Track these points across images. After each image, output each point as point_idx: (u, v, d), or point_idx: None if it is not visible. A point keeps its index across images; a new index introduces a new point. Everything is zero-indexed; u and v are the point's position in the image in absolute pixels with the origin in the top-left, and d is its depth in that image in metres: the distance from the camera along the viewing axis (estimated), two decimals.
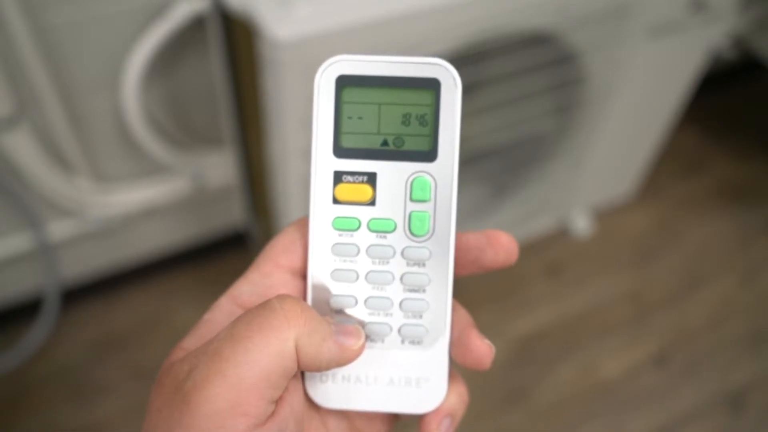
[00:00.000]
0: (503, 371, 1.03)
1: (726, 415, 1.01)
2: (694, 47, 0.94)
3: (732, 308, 1.14)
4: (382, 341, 0.27)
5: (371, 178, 0.26)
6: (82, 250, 0.96)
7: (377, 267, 0.27)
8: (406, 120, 0.26)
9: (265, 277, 0.27)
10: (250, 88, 0.72)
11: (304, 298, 0.27)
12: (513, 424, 0.98)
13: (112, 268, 1.04)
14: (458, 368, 0.28)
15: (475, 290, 1.11)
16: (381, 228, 0.27)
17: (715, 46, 0.97)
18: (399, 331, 0.27)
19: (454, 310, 0.27)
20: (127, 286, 1.07)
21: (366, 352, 0.27)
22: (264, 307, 0.23)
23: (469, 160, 0.88)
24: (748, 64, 1.34)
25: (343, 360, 0.25)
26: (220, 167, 0.92)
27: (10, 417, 0.94)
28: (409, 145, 0.26)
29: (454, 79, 0.26)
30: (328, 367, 0.24)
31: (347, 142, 0.26)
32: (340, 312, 0.27)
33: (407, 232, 0.27)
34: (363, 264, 0.27)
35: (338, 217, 0.27)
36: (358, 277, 0.27)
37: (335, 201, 0.27)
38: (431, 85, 0.26)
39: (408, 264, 0.27)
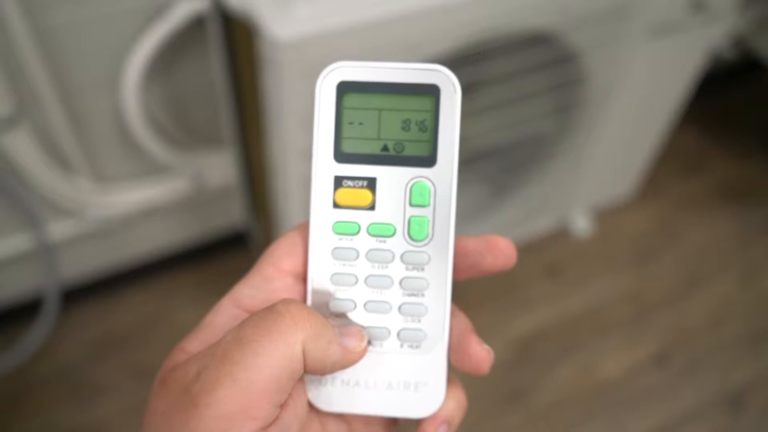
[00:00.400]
0: (503, 371, 1.03)
1: (726, 415, 1.01)
2: (694, 47, 0.94)
3: (732, 308, 1.14)
4: (381, 345, 0.27)
5: (371, 183, 0.27)
6: (82, 250, 0.96)
7: (376, 271, 0.27)
8: (406, 126, 0.26)
9: (266, 280, 0.27)
10: (250, 88, 0.72)
11: (305, 301, 0.27)
12: (513, 424, 0.98)
13: (112, 268, 1.04)
14: (457, 370, 0.28)
15: (474, 290, 1.11)
16: (380, 232, 0.27)
17: (715, 46, 0.97)
18: (398, 335, 0.27)
19: (452, 314, 0.27)
20: (127, 286, 1.07)
21: (365, 356, 0.27)
22: (271, 311, 0.23)
23: (468, 161, 0.88)
24: (748, 64, 1.34)
25: (347, 362, 0.25)
26: (220, 167, 0.92)
27: (10, 417, 0.94)
28: (409, 150, 0.26)
29: (453, 85, 0.26)
30: (332, 370, 0.25)
31: (348, 148, 0.27)
32: (339, 315, 0.27)
33: (406, 236, 0.27)
34: (362, 268, 0.27)
35: (338, 222, 0.27)
36: (357, 281, 0.27)
37: (335, 205, 0.27)
38: (431, 91, 0.26)
39: (407, 268, 0.27)
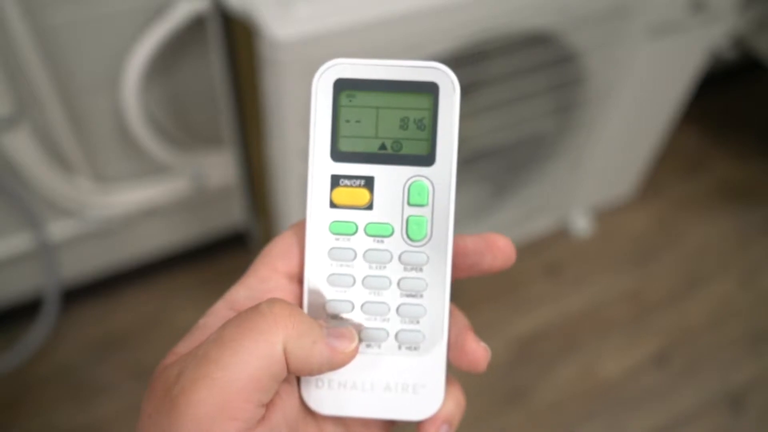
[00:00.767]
0: (503, 371, 1.03)
1: (726, 415, 1.01)
2: (694, 47, 0.94)
3: (732, 308, 1.14)
4: (379, 347, 0.27)
5: (369, 182, 0.26)
6: (82, 250, 0.96)
7: (374, 272, 0.26)
8: (404, 124, 0.26)
9: (261, 281, 0.27)
10: (250, 88, 0.72)
11: (301, 302, 0.27)
12: (513, 424, 0.98)
13: (112, 268, 1.04)
14: (455, 368, 0.28)
15: (474, 290, 1.11)
16: (378, 232, 0.26)
17: (715, 46, 0.97)
18: (396, 336, 0.27)
19: (450, 313, 0.27)
20: (127, 286, 1.07)
21: (362, 358, 0.26)
22: (253, 311, 0.23)
23: (469, 160, 0.88)
24: (748, 64, 1.34)
25: (335, 363, 0.24)
26: (220, 167, 0.92)
27: (10, 417, 0.94)
28: (407, 149, 0.26)
29: (452, 83, 0.26)
30: (320, 371, 0.24)
31: (345, 146, 0.26)
32: (336, 317, 0.27)
33: (404, 236, 0.26)
34: (360, 268, 0.26)
35: (335, 221, 0.26)
36: (354, 282, 0.27)
37: (332, 205, 0.26)
38: (429, 89, 0.26)
39: (405, 269, 0.26)
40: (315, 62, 0.26)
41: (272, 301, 0.23)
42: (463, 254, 0.27)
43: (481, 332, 0.27)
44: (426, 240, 0.26)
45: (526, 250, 1.18)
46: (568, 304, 1.13)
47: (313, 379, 0.26)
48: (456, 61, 0.72)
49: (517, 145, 0.91)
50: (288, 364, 0.23)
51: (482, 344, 0.27)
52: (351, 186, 0.26)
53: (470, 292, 1.11)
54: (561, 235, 1.22)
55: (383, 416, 0.27)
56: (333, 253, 0.26)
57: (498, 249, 0.27)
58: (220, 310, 0.26)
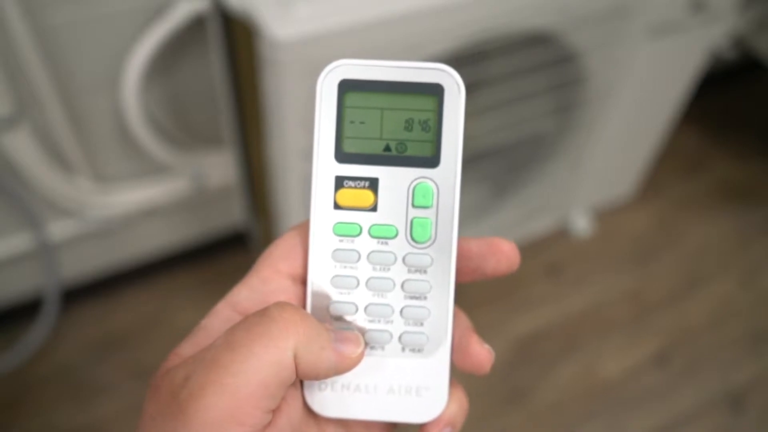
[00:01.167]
0: (503, 371, 1.03)
1: (726, 415, 1.01)
2: (694, 47, 0.94)
3: (732, 308, 1.14)
4: (383, 349, 0.27)
5: (373, 184, 0.26)
6: (82, 250, 0.96)
7: (378, 273, 0.26)
8: (408, 125, 0.26)
9: (264, 283, 0.26)
10: (250, 88, 0.72)
11: (304, 304, 0.27)
12: (513, 424, 0.98)
13: (112, 268, 1.04)
14: (458, 370, 0.28)
15: (475, 290, 1.11)
16: (382, 234, 0.26)
17: (715, 46, 0.97)
18: (399, 338, 0.26)
19: (454, 315, 0.27)
20: (127, 286, 1.07)
21: (366, 360, 0.26)
22: (263, 315, 0.23)
23: (469, 161, 0.88)
24: (748, 64, 1.34)
25: (342, 368, 0.24)
26: (220, 167, 0.92)
27: (10, 417, 0.94)
28: (412, 150, 0.26)
29: (457, 84, 0.26)
30: (326, 376, 0.24)
31: (349, 147, 0.26)
32: (339, 319, 0.27)
33: (409, 238, 0.26)
34: (364, 270, 0.26)
35: (339, 223, 0.26)
36: (358, 284, 0.26)
37: (336, 206, 0.26)
38: (434, 91, 0.26)
39: (409, 271, 0.26)
40: (315, 62, 0.26)
41: (282, 306, 0.23)
42: (467, 258, 0.27)
43: (481, 332, 0.27)
44: (430, 242, 0.26)
45: (527, 250, 1.18)
46: (569, 304, 1.13)
47: (316, 381, 0.26)
48: (456, 61, 0.72)
49: (517, 145, 0.91)
50: (297, 369, 0.23)
51: (486, 346, 0.26)
52: (355, 187, 0.26)
53: (471, 292, 1.11)
54: (561, 235, 1.22)
55: (386, 419, 0.27)
56: (337, 255, 0.26)
57: (502, 253, 0.27)
58: (222, 311, 0.26)
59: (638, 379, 1.04)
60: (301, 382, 0.26)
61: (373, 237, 0.26)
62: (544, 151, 0.97)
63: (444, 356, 0.26)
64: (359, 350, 0.25)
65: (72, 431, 0.93)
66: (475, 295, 1.11)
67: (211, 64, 0.80)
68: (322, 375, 0.24)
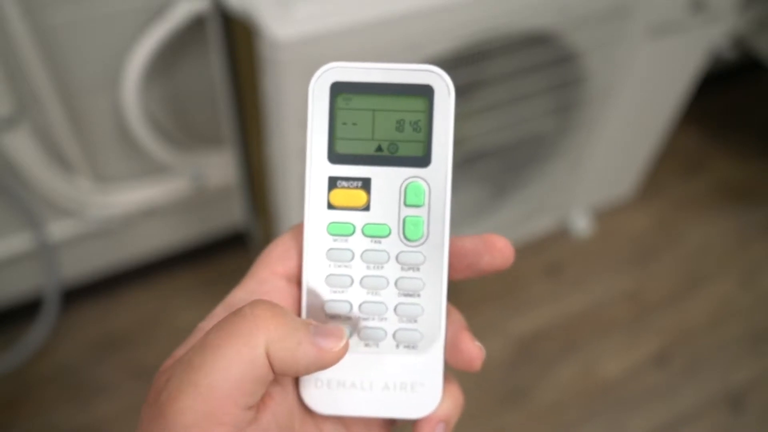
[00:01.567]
0: (503, 371, 1.03)
1: (726, 415, 1.01)
2: (694, 47, 0.94)
3: (732, 308, 1.14)
4: (377, 346, 0.27)
5: (365, 184, 0.26)
6: (82, 250, 0.96)
7: (372, 272, 0.27)
8: (399, 126, 0.26)
9: (260, 284, 0.27)
10: (250, 88, 0.72)
11: (300, 303, 0.27)
12: (513, 424, 0.98)
13: (112, 268, 1.04)
14: (453, 368, 0.28)
15: (475, 290, 1.11)
16: (375, 233, 0.27)
17: (715, 46, 0.97)
18: (394, 335, 0.27)
19: (447, 312, 0.27)
20: (127, 286, 1.07)
21: (361, 357, 0.27)
22: (236, 314, 0.23)
23: (469, 161, 0.88)
24: (748, 64, 1.34)
25: (324, 363, 0.24)
26: (220, 167, 0.92)
27: (10, 417, 0.94)
28: (403, 150, 0.26)
29: (447, 85, 0.26)
30: (307, 371, 0.24)
31: (342, 148, 0.26)
32: (334, 317, 0.27)
33: (401, 236, 0.27)
34: (357, 269, 0.27)
35: (333, 223, 0.27)
36: (352, 282, 0.27)
37: (330, 206, 0.27)
38: (424, 92, 0.26)
39: (402, 269, 0.27)
40: (315, 62, 0.27)
41: (254, 303, 0.23)
42: (461, 255, 0.27)
43: (481, 332, 0.27)
44: (423, 240, 0.27)
45: (526, 250, 1.18)
46: (568, 304, 1.13)
47: (311, 378, 0.26)
48: (456, 61, 0.72)
49: (517, 145, 0.91)
50: (272, 366, 0.23)
51: (477, 343, 0.27)
52: (348, 187, 0.26)
53: (470, 292, 1.11)
54: (561, 235, 1.22)
55: (382, 415, 0.27)
56: (331, 254, 0.27)
57: (496, 250, 0.27)
58: (220, 314, 0.26)
59: (638, 379, 1.04)
60: (296, 380, 0.27)
61: (366, 236, 0.27)
62: (543, 151, 0.97)
63: (438, 352, 0.27)
64: (341, 344, 0.24)
65: (72, 431, 0.93)
66: (474, 294, 1.11)
67: (211, 64, 0.81)
68: (303, 371, 0.24)
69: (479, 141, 0.86)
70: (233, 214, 1.05)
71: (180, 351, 0.25)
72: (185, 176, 0.90)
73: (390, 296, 0.27)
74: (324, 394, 0.27)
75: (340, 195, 0.27)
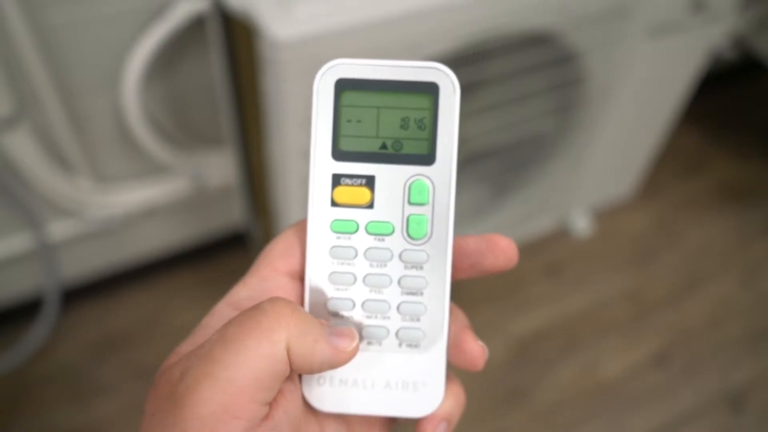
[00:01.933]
0: (503, 371, 1.03)
1: (726, 415, 1.01)
2: (694, 47, 0.94)
3: (732, 308, 1.14)
4: (380, 344, 0.27)
5: (370, 181, 0.26)
6: (82, 250, 0.96)
7: (375, 270, 0.27)
8: (404, 124, 0.26)
9: (263, 281, 0.27)
10: (250, 88, 0.72)
11: (302, 301, 0.27)
12: (513, 424, 0.98)
13: (112, 268, 1.04)
14: (455, 367, 0.28)
15: (475, 290, 1.11)
16: (379, 231, 0.27)
17: (715, 46, 0.98)
18: (396, 334, 0.27)
19: (450, 311, 0.27)
20: (127, 286, 1.07)
21: (363, 356, 0.27)
22: (255, 310, 0.23)
23: (469, 161, 0.88)
24: (748, 64, 1.34)
25: (337, 362, 0.25)
26: (220, 167, 0.92)
27: (10, 417, 0.94)
28: (408, 148, 0.26)
29: (452, 83, 0.26)
30: (320, 369, 0.24)
31: (346, 146, 0.26)
32: (337, 315, 0.27)
33: (405, 235, 0.27)
34: (361, 267, 0.27)
35: (336, 220, 0.27)
36: (355, 280, 0.27)
37: (333, 204, 0.27)
38: (430, 90, 0.26)
39: (406, 267, 0.27)
40: (315, 62, 0.27)
41: (274, 300, 0.24)
42: (464, 254, 0.27)
43: (481, 332, 0.27)
44: (426, 238, 0.26)
45: (526, 250, 1.18)
46: (568, 304, 1.13)
47: (314, 376, 0.27)
48: (456, 61, 0.72)
49: (517, 145, 0.91)
50: (290, 362, 0.23)
51: (480, 343, 0.27)
52: (352, 185, 0.26)
53: (471, 291, 1.11)
54: (561, 235, 1.22)
55: (384, 413, 0.27)
56: (334, 252, 0.27)
57: (500, 249, 0.27)
58: (222, 310, 0.27)
59: (638, 379, 1.04)
60: (300, 378, 0.27)
61: (369, 234, 0.27)
62: (544, 151, 0.97)
63: (440, 351, 0.27)
64: (354, 344, 0.25)
65: (72, 431, 0.93)
66: (474, 294, 1.11)
67: (211, 64, 0.81)
68: (317, 368, 0.24)
69: (479, 141, 0.86)
70: (233, 214, 1.05)
71: (185, 347, 0.25)
72: (185, 176, 0.90)
73: (393, 294, 0.27)
74: (326, 392, 0.27)
75: (343, 192, 0.26)
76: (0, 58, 0.69)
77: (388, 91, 0.26)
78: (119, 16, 0.72)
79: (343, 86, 0.26)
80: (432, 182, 0.26)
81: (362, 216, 0.27)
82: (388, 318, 0.27)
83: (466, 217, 1.01)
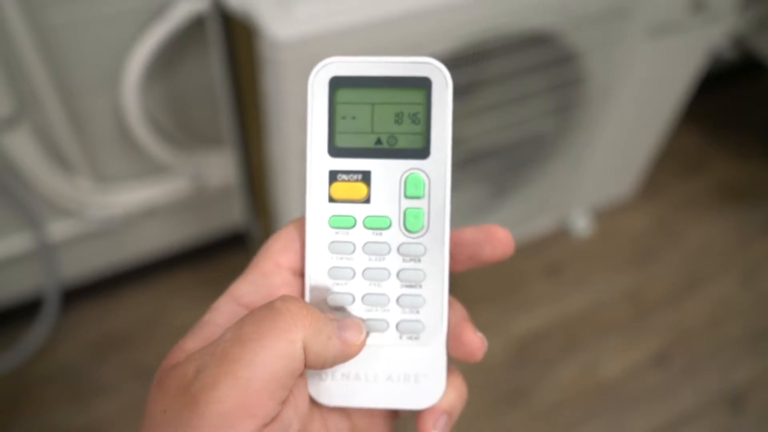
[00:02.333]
0: (503, 371, 1.03)
1: (726, 415, 1.01)
2: (694, 47, 0.94)
3: (732, 308, 1.14)
4: (380, 337, 0.27)
5: (366, 177, 0.27)
6: (82, 250, 0.96)
7: (373, 264, 0.27)
8: (398, 118, 0.27)
9: (265, 276, 0.27)
10: (250, 88, 0.72)
11: (303, 296, 0.27)
12: (513, 424, 0.98)
13: (112, 268, 1.04)
14: (459, 366, 0.28)
15: (475, 289, 1.11)
16: (376, 225, 0.27)
17: (715, 46, 0.98)
18: (396, 327, 0.27)
19: (449, 304, 0.27)
20: (127, 286, 1.07)
21: (365, 349, 0.27)
22: (269, 309, 0.23)
23: (469, 161, 0.88)
24: (748, 64, 1.34)
25: (347, 355, 0.25)
26: (220, 167, 0.92)
27: (10, 417, 0.94)
28: (403, 143, 0.27)
29: (444, 77, 0.26)
30: (333, 364, 0.25)
31: (341, 142, 0.27)
32: (338, 309, 0.27)
33: (402, 228, 0.27)
34: (359, 261, 0.27)
35: (334, 216, 0.27)
36: (354, 274, 0.27)
37: (331, 199, 0.27)
38: (422, 84, 0.26)
39: (404, 260, 0.27)
40: (315, 62, 0.27)
41: (285, 299, 0.24)
42: (462, 245, 0.28)
43: (481, 332, 0.27)
44: (423, 231, 0.27)
45: (526, 250, 1.18)
46: (568, 304, 1.13)
47: (317, 371, 0.27)
48: (456, 61, 0.72)
49: (517, 145, 0.91)
50: (306, 360, 0.24)
51: (479, 334, 0.27)
52: (348, 180, 0.27)
53: (470, 291, 1.11)
54: (561, 235, 1.22)
55: (386, 406, 0.27)
56: (333, 247, 0.27)
57: (497, 240, 0.27)
58: (225, 306, 0.27)
59: (638, 379, 1.04)
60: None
61: (367, 228, 0.27)
62: (544, 151, 0.97)
63: (440, 343, 0.27)
64: (362, 336, 0.26)
65: (72, 431, 0.93)
66: (474, 294, 1.11)
67: (211, 64, 0.81)
68: (330, 363, 0.25)
69: (479, 141, 0.86)
70: (233, 214, 1.05)
71: (188, 342, 0.25)
72: (185, 176, 0.90)
73: (392, 287, 0.27)
74: (329, 386, 0.27)
75: (340, 188, 0.27)
76: (0, 58, 0.69)
77: (381, 87, 0.27)
78: (119, 16, 0.72)
79: (337, 84, 0.27)
80: (427, 175, 0.27)
81: (359, 211, 0.27)
82: (388, 311, 0.27)
83: (466, 216, 1.01)
